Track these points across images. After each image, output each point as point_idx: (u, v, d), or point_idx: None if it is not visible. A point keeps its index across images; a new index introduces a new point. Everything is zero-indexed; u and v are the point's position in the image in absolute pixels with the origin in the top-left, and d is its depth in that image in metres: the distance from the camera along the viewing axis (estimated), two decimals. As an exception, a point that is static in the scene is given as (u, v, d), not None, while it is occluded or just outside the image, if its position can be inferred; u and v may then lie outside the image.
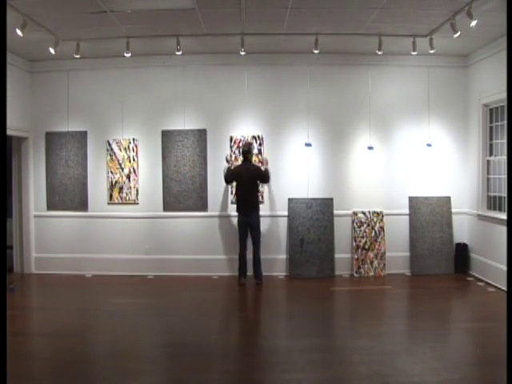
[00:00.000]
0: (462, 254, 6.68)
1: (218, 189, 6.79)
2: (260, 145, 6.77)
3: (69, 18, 5.12)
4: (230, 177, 6.29)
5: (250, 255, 6.32)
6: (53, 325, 4.71)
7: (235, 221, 6.70)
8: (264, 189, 6.74)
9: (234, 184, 6.41)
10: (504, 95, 5.49)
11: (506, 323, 3.07)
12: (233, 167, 6.39)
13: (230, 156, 6.65)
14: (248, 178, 6.17)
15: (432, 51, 5.77)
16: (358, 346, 4.09)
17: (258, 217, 6.26)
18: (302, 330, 4.76)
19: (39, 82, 6.95)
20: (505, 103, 5.73)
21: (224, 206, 6.79)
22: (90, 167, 6.92)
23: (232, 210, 6.76)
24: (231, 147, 6.77)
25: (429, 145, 6.79)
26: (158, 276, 6.72)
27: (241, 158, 6.58)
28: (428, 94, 6.78)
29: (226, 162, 6.55)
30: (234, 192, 6.58)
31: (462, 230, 6.80)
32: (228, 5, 4.83)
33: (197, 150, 6.80)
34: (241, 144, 6.66)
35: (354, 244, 6.72)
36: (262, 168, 6.36)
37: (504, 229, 5.63)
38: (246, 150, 6.25)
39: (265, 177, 6.26)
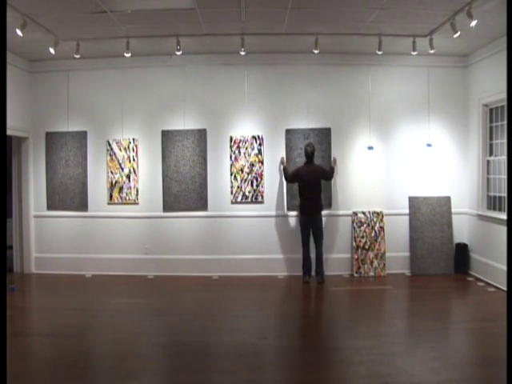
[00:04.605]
0: (462, 253, 6.68)
1: (218, 189, 6.79)
2: (260, 145, 6.77)
3: (69, 18, 5.11)
4: (292, 177, 6.34)
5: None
6: (53, 325, 4.71)
7: (235, 220, 6.73)
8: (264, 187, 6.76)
9: (296, 185, 6.44)
10: (504, 95, 5.49)
11: (506, 323, 3.07)
12: (294, 169, 6.45)
13: (286, 159, 6.62)
14: (313, 180, 6.20)
15: (432, 51, 5.77)
16: (358, 346, 4.08)
17: (321, 218, 6.33)
18: (302, 329, 4.77)
19: (39, 81, 6.95)
20: (505, 103, 5.72)
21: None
22: (90, 167, 6.92)
23: (231, 210, 6.77)
24: (231, 147, 6.77)
25: (429, 145, 6.79)
26: (158, 276, 6.72)
27: (240, 158, 6.61)
28: (428, 94, 6.78)
29: (281, 164, 6.61)
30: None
31: (462, 230, 6.80)
32: (228, 5, 4.83)
33: (197, 150, 6.79)
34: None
35: (354, 244, 6.71)
36: (326, 167, 6.49)
37: (504, 229, 5.63)
38: (310, 151, 6.26)
39: (328, 173, 6.41)
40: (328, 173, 6.43)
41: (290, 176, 6.38)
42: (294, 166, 6.64)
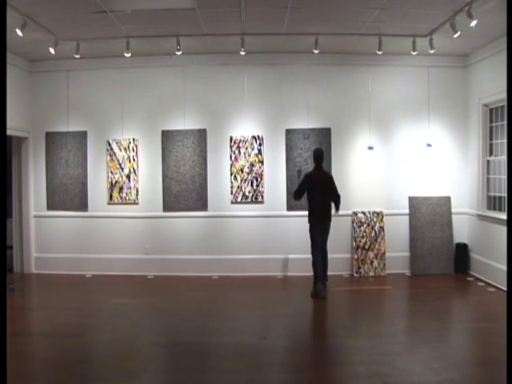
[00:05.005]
0: (462, 253, 6.68)
1: (218, 189, 6.79)
2: (260, 145, 6.77)
3: (69, 18, 5.12)
4: (301, 188, 5.75)
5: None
6: (53, 325, 4.71)
7: (235, 220, 6.73)
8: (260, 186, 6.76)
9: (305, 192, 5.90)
10: (504, 95, 5.49)
11: (506, 323, 3.06)
12: (303, 175, 6.03)
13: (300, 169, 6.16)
14: (321, 186, 5.72)
15: (432, 51, 5.77)
16: (358, 346, 4.08)
17: (330, 224, 5.86)
18: (302, 329, 4.77)
19: (39, 82, 6.94)
20: (505, 103, 5.72)
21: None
22: (90, 167, 6.92)
23: (231, 210, 6.78)
24: (231, 147, 6.77)
25: (429, 145, 6.79)
26: (158, 276, 6.72)
27: (240, 158, 6.63)
28: (428, 94, 6.78)
29: (297, 175, 6.38)
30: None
31: (462, 230, 6.80)
32: (228, 5, 4.83)
33: (197, 150, 6.79)
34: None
35: (354, 244, 6.71)
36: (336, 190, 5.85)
37: (504, 229, 5.63)
38: (319, 155, 5.78)
39: (336, 195, 5.80)
40: (336, 193, 5.82)
41: (299, 187, 5.81)
42: (294, 166, 6.64)
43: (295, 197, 5.87)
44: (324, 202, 5.76)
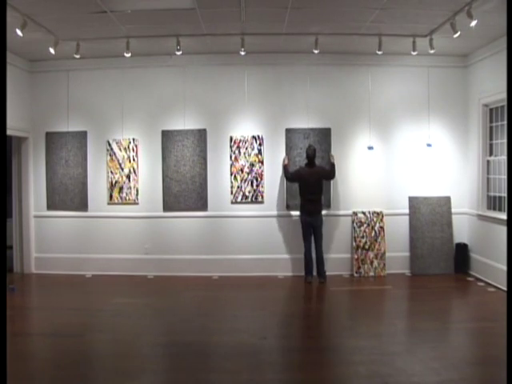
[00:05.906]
0: (462, 253, 6.68)
1: (218, 189, 6.79)
2: (260, 145, 6.77)
3: (69, 18, 5.11)
4: (292, 177, 6.38)
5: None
6: (53, 325, 4.71)
7: (235, 220, 6.73)
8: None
9: (297, 185, 6.44)
10: (504, 95, 5.49)
11: (506, 323, 3.07)
12: (295, 168, 6.52)
13: (288, 159, 6.61)
14: (313, 181, 6.24)
15: (432, 51, 5.77)
16: (358, 346, 4.08)
17: (322, 218, 6.35)
18: (302, 329, 4.77)
19: (39, 82, 6.94)
20: (505, 103, 5.72)
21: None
22: (90, 167, 6.92)
23: (231, 210, 6.78)
24: (231, 147, 6.77)
25: (429, 145, 6.79)
26: (158, 276, 6.72)
27: (240, 158, 6.64)
28: (428, 94, 6.78)
29: (283, 162, 6.60)
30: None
31: (462, 230, 6.80)
32: (228, 5, 4.83)
33: (197, 150, 6.79)
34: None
35: (354, 244, 6.71)
36: (327, 167, 6.49)
37: (504, 229, 5.63)
38: (311, 153, 6.28)
39: (331, 172, 6.41)
40: (330, 172, 6.42)
41: (291, 175, 6.40)
42: (293, 166, 6.64)
43: (286, 178, 6.51)
44: (313, 198, 6.25)
